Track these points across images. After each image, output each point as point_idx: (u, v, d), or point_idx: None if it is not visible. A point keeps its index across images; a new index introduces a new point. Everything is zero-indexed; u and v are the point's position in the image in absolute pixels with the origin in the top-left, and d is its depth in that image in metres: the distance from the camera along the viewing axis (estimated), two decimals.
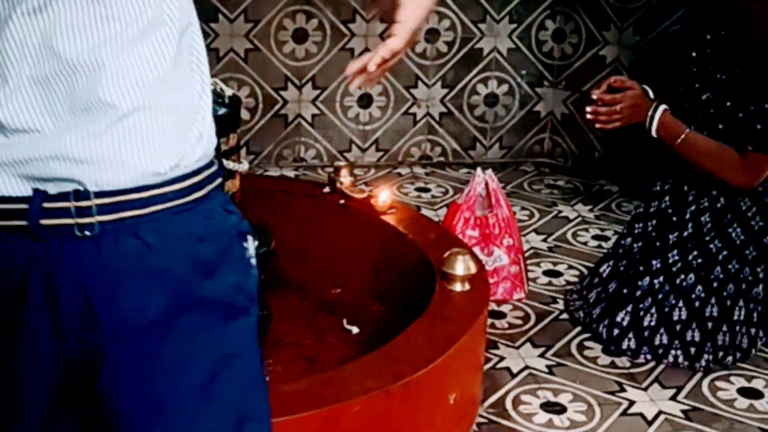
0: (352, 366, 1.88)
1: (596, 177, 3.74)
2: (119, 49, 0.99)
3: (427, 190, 3.62)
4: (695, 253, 2.43)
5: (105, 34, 0.98)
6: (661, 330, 2.41)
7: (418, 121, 3.88)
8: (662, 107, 2.42)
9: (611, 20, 3.69)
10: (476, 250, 2.73)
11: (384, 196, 2.61)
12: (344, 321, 2.54)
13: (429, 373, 1.87)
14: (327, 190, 2.73)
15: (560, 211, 3.45)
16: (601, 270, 2.63)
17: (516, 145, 3.98)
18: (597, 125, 2.46)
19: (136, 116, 1.01)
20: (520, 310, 2.73)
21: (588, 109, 2.42)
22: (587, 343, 2.55)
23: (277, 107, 3.74)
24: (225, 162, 2.07)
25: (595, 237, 3.23)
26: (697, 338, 2.40)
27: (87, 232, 1.01)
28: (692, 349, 2.40)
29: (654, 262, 2.46)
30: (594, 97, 2.41)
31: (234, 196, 2.15)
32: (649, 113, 2.41)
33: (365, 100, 3.80)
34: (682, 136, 2.40)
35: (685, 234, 2.44)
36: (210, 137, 1.10)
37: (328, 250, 2.69)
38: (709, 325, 2.39)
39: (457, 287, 2.18)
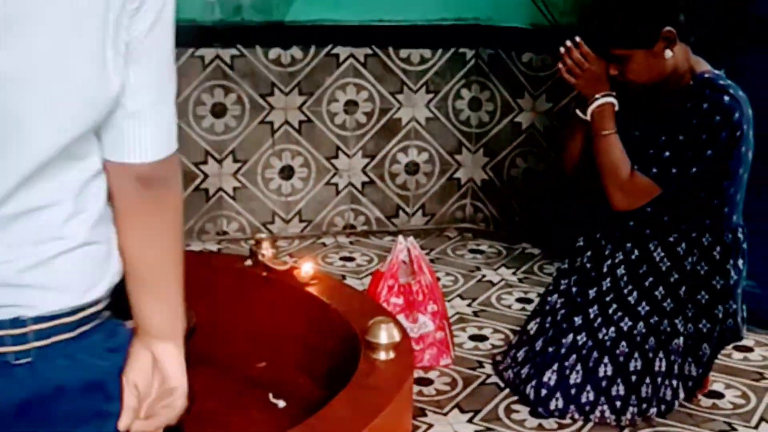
0: None
1: (518, 240, 3.80)
2: (79, 189, 1.07)
3: (351, 259, 3.63)
4: (615, 306, 2.47)
5: (69, 176, 1.06)
6: (588, 387, 2.43)
7: (340, 191, 3.90)
8: (611, 99, 2.46)
9: (525, 88, 3.78)
10: (401, 317, 2.72)
11: (307, 267, 2.60)
12: (270, 395, 2.50)
13: None
14: (249, 263, 2.71)
15: (484, 276, 3.48)
16: (529, 327, 2.66)
17: (438, 212, 4.02)
18: (560, 73, 2.50)
19: (86, 247, 1.09)
20: (447, 376, 2.72)
21: (561, 49, 2.47)
22: (515, 407, 2.55)
23: (197, 181, 3.72)
24: None
25: (519, 300, 3.26)
26: (621, 392, 2.43)
27: (22, 360, 1.06)
28: (618, 403, 2.43)
29: (576, 319, 2.49)
30: (567, 44, 2.46)
31: None
32: (599, 96, 2.45)
33: (287, 172, 3.82)
34: (606, 132, 2.44)
35: (604, 288, 2.49)
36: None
37: (252, 324, 2.66)
38: (633, 378, 2.43)
39: (382, 356, 2.16)
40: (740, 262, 2.46)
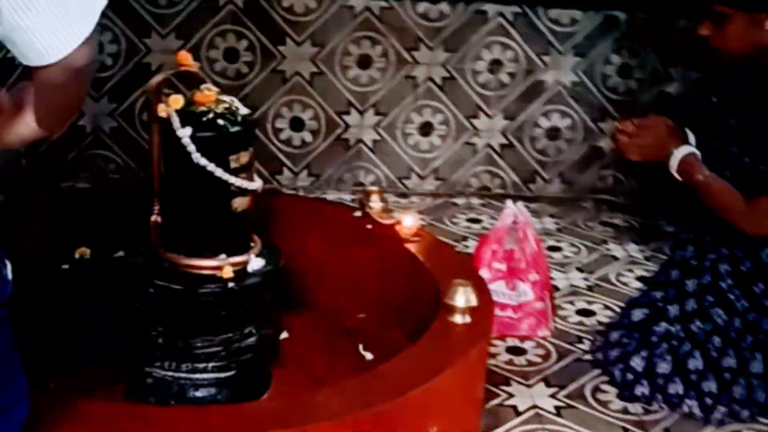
0: (326, 390, 1.89)
1: (655, 217, 3.64)
2: None
3: (478, 221, 3.60)
4: (712, 300, 2.34)
5: None
6: (676, 379, 2.33)
7: (478, 152, 3.87)
8: (687, 148, 2.35)
9: (678, 57, 3.60)
10: (501, 283, 2.70)
11: (409, 222, 2.61)
12: (360, 346, 2.55)
13: (402, 403, 1.86)
14: (358, 213, 2.76)
15: (609, 249, 3.38)
16: (627, 312, 2.57)
17: (577, 181, 3.91)
18: (625, 155, 2.41)
19: None
20: (542, 348, 2.68)
21: (615, 129, 2.40)
22: (603, 387, 2.49)
23: (338, 131, 3.80)
24: (234, 179, 2.12)
25: (639, 278, 3.14)
26: (713, 389, 2.31)
27: None
28: (708, 400, 2.31)
29: (670, 308, 2.38)
30: (618, 126, 2.37)
31: (244, 214, 2.19)
32: (672, 150, 2.34)
33: (426, 128, 3.82)
34: (699, 179, 2.32)
35: (705, 282, 2.36)
36: None
37: (353, 275, 2.71)
38: (727, 376, 2.30)
39: (457, 319, 2.16)
40: None
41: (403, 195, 3.82)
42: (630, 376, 2.39)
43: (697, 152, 2.36)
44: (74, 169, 3.70)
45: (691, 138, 2.41)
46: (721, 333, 2.31)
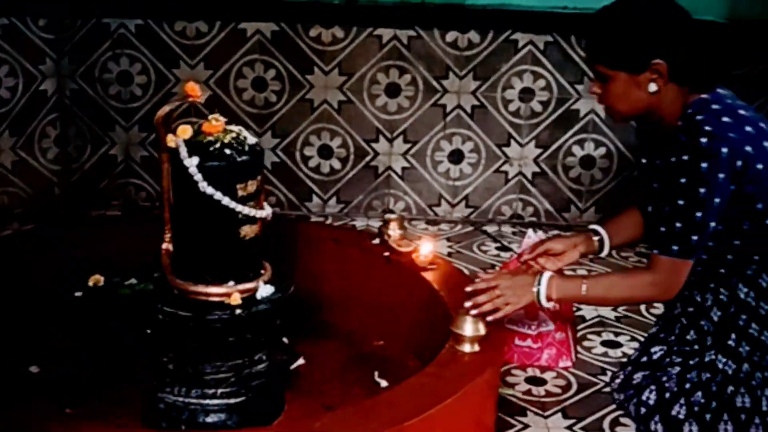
0: (327, 417, 1.87)
1: None
2: None
3: (508, 250, 3.56)
4: (713, 351, 2.28)
5: None
6: (692, 421, 2.25)
7: (509, 180, 3.84)
8: (547, 274, 2.29)
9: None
10: (521, 313, 2.66)
11: (425, 249, 2.59)
12: (375, 374, 2.52)
13: (401, 431, 1.83)
14: (376, 241, 2.75)
15: None
16: (651, 351, 2.49)
17: (612, 209, 3.84)
18: (488, 317, 2.20)
19: None
20: (563, 378, 2.62)
21: (467, 304, 2.23)
22: (623, 420, 2.42)
23: (368, 158, 3.80)
24: (241, 207, 2.13)
25: (657, 316, 3.05)
26: (730, 430, 2.23)
27: None
28: None
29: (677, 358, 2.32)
30: (468, 289, 2.29)
31: (253, 241, 2.20)
32: (535, 286, 2.28)
33: (456, 156, 3.80)
34: (583, 289, 2.27)
35: (704, 329, 2.30)
36: None
37: (371, 302, 2.70)
38: (741, 416, 2.22)
39: (466, 348, 2.13)
40: None
41: (433, 222, 3.80)
42: (643, 410, 2.32)
43: (549, 273, 2.31)
44: (106, 198, 3.76)
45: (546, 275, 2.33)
46: (733, 380, 2.24)
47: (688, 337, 2.32)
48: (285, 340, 2.39)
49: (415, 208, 3.85)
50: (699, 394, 2.25)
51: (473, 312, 2.18)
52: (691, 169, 2.13)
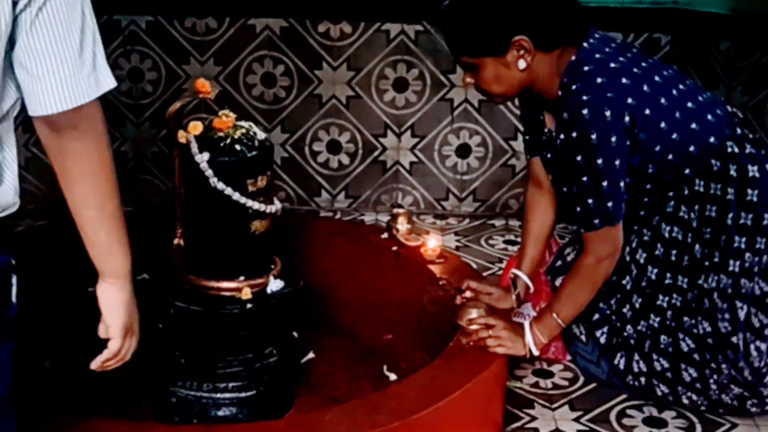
0: (335, 410, 1.90)
1: None
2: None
3: (515, 243, 3.58)
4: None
5: None
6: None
7: (517, 173, 3.85)
8: (526, 324, 2.34)
9: (720, 79, 3.54)
10: (528, 305, 2.68)
11: (432, 243, 2.62)
12: (384, 367, 2.55)
13: (410, 424, 1.86)
14: (385, 235, 2.77)
15: None
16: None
17: None
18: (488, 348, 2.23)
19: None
20: (570, 371, 2.65)
21: (463, 341, 2.23)
22: (630, 412, 2.44)
23: (376, 153, 3.82)
24: (251, 203, 2.15)
25: None
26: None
27: None
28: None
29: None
30: (467, 326, 2.27)
31: (263, 236, 2.23)
32: (526, 338, 2.32)
33: (464, 150, 3.82)
34: (559, 318, 2.35)
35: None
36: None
37: (379, 296, 2.73)
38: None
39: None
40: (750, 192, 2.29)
41: (441, 216, 3.82)
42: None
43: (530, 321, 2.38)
44: None
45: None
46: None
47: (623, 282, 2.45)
48: (295, 334, 2.42)
49: (423, 202, 3.87)
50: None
51: (465, 342, 2.22)
52: (582, 144, 2.17)
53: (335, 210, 3.84)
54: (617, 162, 2.19)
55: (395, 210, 2.81)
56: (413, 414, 1.87)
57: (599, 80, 2.18)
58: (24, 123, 3.83)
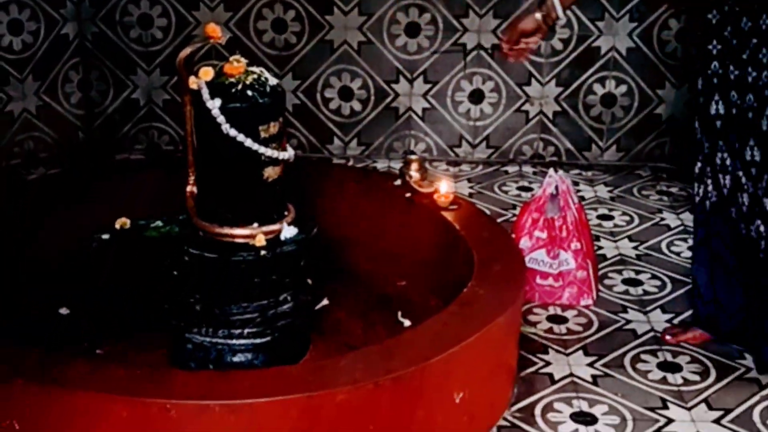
0: (349, 356, 1.91)
1: None
2: None
3: (529, 190, 3.56)
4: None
5: None
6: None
7: (530, 119, 3.82)
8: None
9: None
10: (542, 252, 2.68)
11: (443, 188, 2.60)
12: (399, 313, 2.56)
13: (424, 369, 1.86)
14: (398, 182, 2.76)
15: (663, 219, 3.30)
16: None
17: (634, 148, 3.83)
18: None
19: None
20: (584, 316, 2.65)
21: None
22: (644, 357, 2.44)
23: (388, 100, 3.79)
24: (264, 149, 2.14)
25: (691, 248, 3.06)
26: None
27: None
28: None
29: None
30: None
31: (276, 183, 2.21)
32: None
33: (476, 96, 3.79)
34: None
35: None
36: None
37: (393, 243, 2.72)
38: None
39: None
40: None
41: (454, 163, 3.81)
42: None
43: None
44: (129, 142, 3.79)
45: None
46: None
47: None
48: (309, 281, 2.42)
49: (436, 149, 3.85)
50: None
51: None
52: None
53: (348, 157, 3.82)
54: None
55: (408, 157, 2.79)
56: (428, 359, 1.87)
57: None
58: (35, 70, 3.83)
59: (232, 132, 2.10)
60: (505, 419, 2.18)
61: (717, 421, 2.19)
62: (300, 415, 1.77)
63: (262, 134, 2.14)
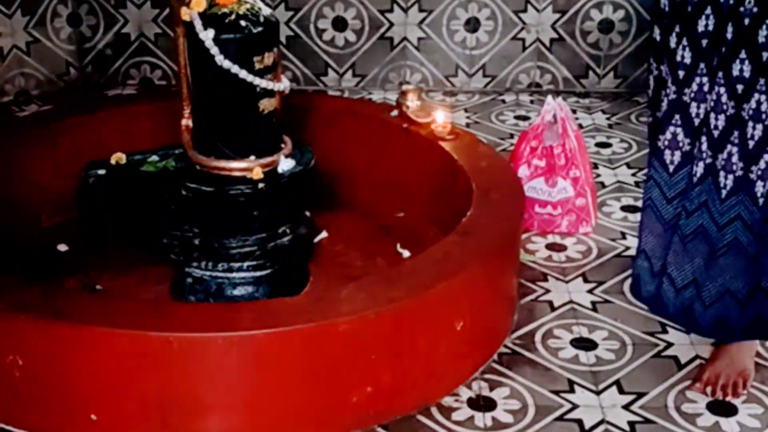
0: (351, 286, 1.91)
1: None
2: None
3: (526, 118, 3.54)
4: None
5: None
6: None
7: (527, 47, 3.77)
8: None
9: None
10: (541, 180, 2.67)
11: (440, 118, 2.58)
12: (398, 245, 2.56)
13: (425, 298, 1.87)
14: (395, 113, 2.73)
15: None
16: None
17: (632, 75, 3.79)
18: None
19: None
20: (583, 244, 2.65)
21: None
22: None
23: (382, 30, 3.74)
24: (259, 80, 2.11)
25: None
26: None
27: None
28: None
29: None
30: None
31: (272, 115, 2.19)
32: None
33: (472, 24, 3.73)
34: None
35: None
36: None
37: (391, 174, 2.71)
38: None
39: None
40: None
41: (451, 93, 3.77)
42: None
43: None
44: (122, 78, 3.74)
45: None
46: None
47: None
48: (307, 213, 2.41)
49: (432, 79, 3.81)
50: None
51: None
52: None
53: (343, 89, 3.78)
54: None
55: (404, 86, 2.76)
56: (428, 288, 1.88)
57: None
58: (23, 5, 3.75)
59: (226, 63, 2.07)
60: (506, 346, 2.20)
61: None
62: (302, 346, 1.77)
63: (257, 65, 2.11)
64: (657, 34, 2.12)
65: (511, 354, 2.18)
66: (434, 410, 2.00)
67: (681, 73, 2.08)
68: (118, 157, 2.33)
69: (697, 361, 2.15)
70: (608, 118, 3.54)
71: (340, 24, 3.72)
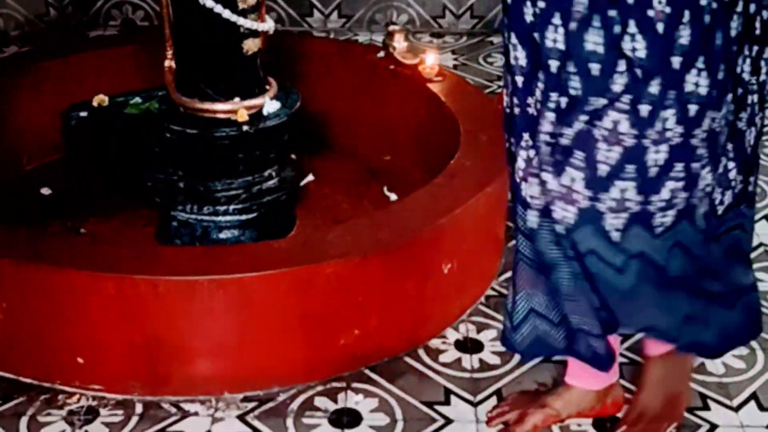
0: (337, 229, 1.90)
1: None
2: None
3: None
4: None
5: None
6: None
7: None
8: None
9: None
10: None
11: (430, 61, 2.55)
12: (384, 188, 2.54)
13: (413, 241, 1.86)
14: (381, 54, 2.70)
15: None
16: None
17: None
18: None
19: None
20: None
21: None
22: None
23: None
24: (243, 20, 2.07)
25: None
26: None
27: None
28: None
29: None
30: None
31: (256, 56, 2.16)
32: None
33: None
34: None
35: None
36: None
37: (377, 117, 2.68)
38: None
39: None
40: None
41: (438, 35, 3.72)
42: None
43: None
44: (102, 18, 3.68)
45: None
46: None
47: None
48: (293, 156, 2.39)
49: (419, 20, 3.76)
50: None
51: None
52: None
53: (328, 30, 3.73)
54: None
55: (391, 27, 2.72)
56: (416, 231, 1.87)
57: None
58: None
59: (209, 3, 2.03)
60: (493, 289, 2.20)
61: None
62: (289, 289, 1.77)
63: (240, 5, 2.07)
64: None
65: (498, 297, 2.17)
66: (421, 352, 2.00)
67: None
68: (101, 99, 2.29)
69: None
70: None
71: None
